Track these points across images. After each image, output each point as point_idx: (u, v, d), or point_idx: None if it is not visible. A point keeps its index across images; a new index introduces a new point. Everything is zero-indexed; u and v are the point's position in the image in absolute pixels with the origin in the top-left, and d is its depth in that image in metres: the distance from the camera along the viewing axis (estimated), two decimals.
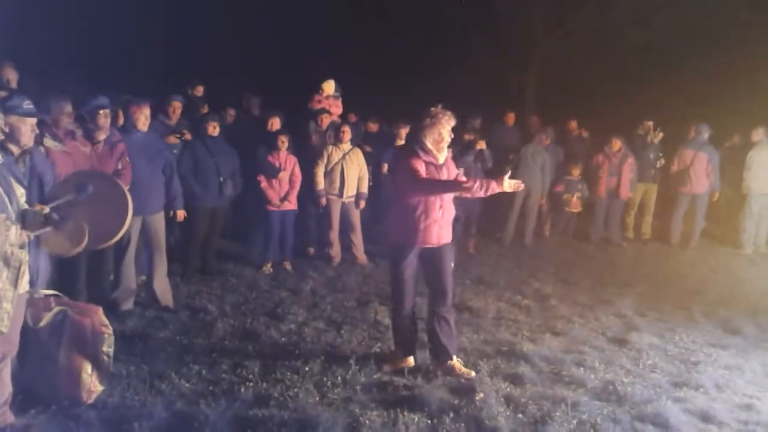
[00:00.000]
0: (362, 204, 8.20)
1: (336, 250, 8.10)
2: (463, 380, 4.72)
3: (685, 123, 10.36)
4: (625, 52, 15.76)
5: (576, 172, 9.81)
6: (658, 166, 10.04)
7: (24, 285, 3.61)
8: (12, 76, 6.90)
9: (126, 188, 4.52)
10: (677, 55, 15.23)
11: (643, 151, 10.00)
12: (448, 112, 4.83)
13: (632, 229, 10.34)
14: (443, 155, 4.87)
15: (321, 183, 7.94)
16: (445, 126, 4.80)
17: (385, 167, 8.34)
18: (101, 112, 5.48)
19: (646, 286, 7.65)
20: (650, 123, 10.23)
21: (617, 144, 9.88)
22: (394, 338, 5.11)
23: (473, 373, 4.82)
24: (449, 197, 4.88)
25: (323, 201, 8.00)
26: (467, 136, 8.63)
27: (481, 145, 8.65)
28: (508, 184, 4.68)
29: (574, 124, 11.30)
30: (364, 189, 8.17)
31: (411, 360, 4.98)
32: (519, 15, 15.82)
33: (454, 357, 4.90)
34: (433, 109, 4.85)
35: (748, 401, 4.59)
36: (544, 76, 16.64)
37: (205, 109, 8.59)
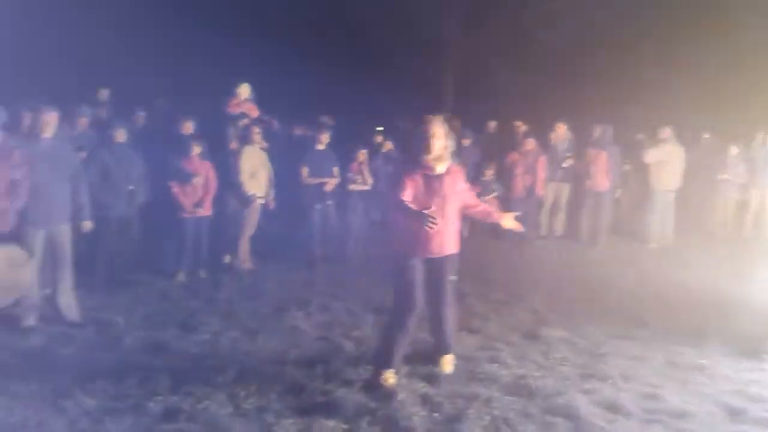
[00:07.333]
0: (272, 204, 8.18)
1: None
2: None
3: (596, 123, 10.72)
4: (539, 54, 16.21)
5: (489, 173, 10.00)
6: (565, 165, 10.37)
7: None
8: None
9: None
10: (588, 57, 15.80)
11: (550, 152, 10.33)
12: (432, 119, 4.65)
13: (545, 226, 10.63)
14: (441, 165, 4.67)
15: (251, 187, 7.80)
16: (429, 133, 4.60)
17: (305, 171, 8.29)
18: None
19: (557, 281, 7.87)
20: (562, 125, 10.55)
21: (531, 144, 10.15)
22: (382, 347, 4.80)
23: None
24: (452, 207, 4.75)
25: (256, 205, 7.87)
26: (376, 138, 8.82)
27: (388, 146, 8.80)
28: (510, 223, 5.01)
29: (492, 124, 11.59)
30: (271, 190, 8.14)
31: (392, 375, 4.71)
32: (435, 16, 16.04)
33: (448, 355, 5.02)
34: (420, 117, 4.71)
35: (652, 391, 4.75)
36: (462, 77, 16.93)
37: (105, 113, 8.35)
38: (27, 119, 6.02)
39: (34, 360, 4.96)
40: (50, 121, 5.69)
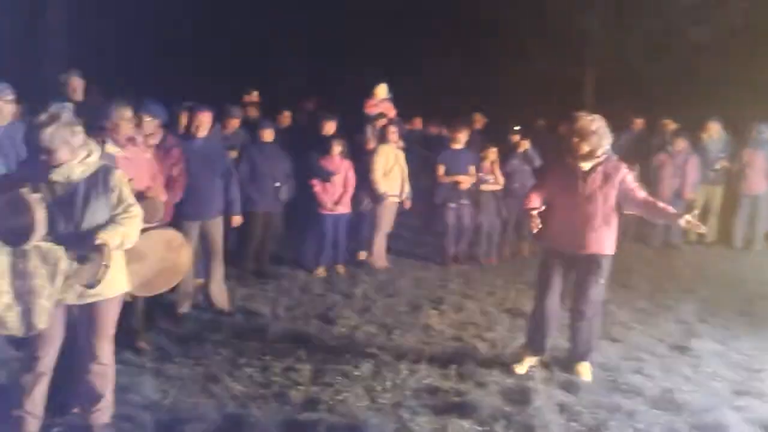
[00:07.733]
0: (408, 203, 8.24)
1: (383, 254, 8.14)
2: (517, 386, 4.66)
3: (752, 122, 10.00)
4: (686, 50, 15.31)
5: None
6: (717, 167, 9.72)
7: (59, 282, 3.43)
8: (78, 85, 7.16)
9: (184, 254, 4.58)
10: (740, 53, 14.70)
11: (702, 152, 9.72)
12: (578, 117, 4.67)
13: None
14: (588, 162, 4.66)
15: (384, 185, 7.94)
16: (575, 133, 4.64)
17: (441, 169, 8.32)
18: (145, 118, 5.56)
19: (708, 291, 7.40)
20: (715, 123, 9.91)
21: (681, 143, 9.62)
22: (526, 333, 5.16)
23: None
24: (599, 205, 4.66)
25: (389, 203, 8.01)
26: (512, 138, 8.70)
27: (524, 145, 8.64)
28: (686, 222, 4.54)
29: (639, 121, 11.01)
30: (407, 188, 8.20)
31: (531, 359, 4.99)
32: (575, 14, 15.55)
33: (585, 362, 4.92)
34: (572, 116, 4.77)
35: None
36: (603, 75, 16.32)
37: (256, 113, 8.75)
38: (184, 119, 6.45)
39: (186, 345, 5.28)
40: (205, 120, 6.03)
